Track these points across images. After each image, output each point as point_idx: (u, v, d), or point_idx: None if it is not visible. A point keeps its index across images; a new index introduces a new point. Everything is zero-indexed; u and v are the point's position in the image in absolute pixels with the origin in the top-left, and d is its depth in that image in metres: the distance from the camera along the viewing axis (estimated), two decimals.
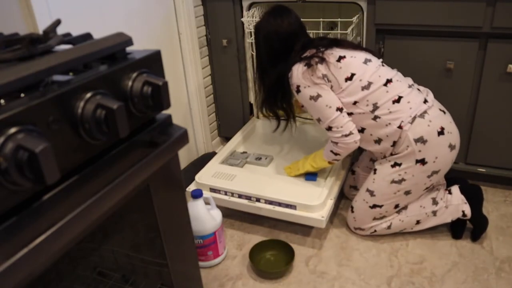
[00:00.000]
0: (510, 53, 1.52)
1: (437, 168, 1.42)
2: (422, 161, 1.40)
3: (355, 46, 1.51)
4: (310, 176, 1.66)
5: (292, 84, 1.47)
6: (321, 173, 1.68)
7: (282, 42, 1.49)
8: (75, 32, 0.82)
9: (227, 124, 2.20)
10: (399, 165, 1.44)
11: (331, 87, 1.43)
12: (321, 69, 1.41)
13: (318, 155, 1.62)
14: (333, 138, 1.47)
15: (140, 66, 0.76)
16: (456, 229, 1.58)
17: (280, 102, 1.60)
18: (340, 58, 1.43)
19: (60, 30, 0.79)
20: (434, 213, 1.54)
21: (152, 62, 0.80)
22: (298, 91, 1.46)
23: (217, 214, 1.49)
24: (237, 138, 1.99)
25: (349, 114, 1.44)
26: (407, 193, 1.47)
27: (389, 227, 1.55)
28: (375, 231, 1.57)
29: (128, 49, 0.79)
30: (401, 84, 1.44)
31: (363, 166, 1.74)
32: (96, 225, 0.72)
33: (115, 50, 0.75)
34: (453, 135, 1.43)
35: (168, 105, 0.78)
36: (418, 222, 1.55)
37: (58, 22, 0.77)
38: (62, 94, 0.62)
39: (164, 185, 0.88)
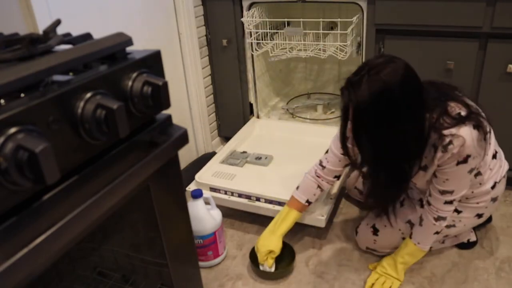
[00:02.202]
0: (510, 53, 1.52)
1: (482, 221, 1.41)
2: (481, 216, 1.36)
3: (465, 98, 1.22)
4: None
5: (461, 154, 1.12)
6: None
7: (422, 99, 1.13)
8: (75, 32, 0.82)
9: (227, 124, 2.20)
10: (458, 212, 1.34)
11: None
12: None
13: (406, 251, 1.34)
14: (445, 212, 1.26)
15: (140, 66, 0.76)
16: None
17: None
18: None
19: (60, 30, 0.79)
20: (443, 241, 1.50)
21: (152, 62, 0.80)
22: (464, 162, 1.13)
23: (217, 214, 1.49)
24: (237, 138, 1.99)
25: None
26: (445, 236, 1.44)
27: None
28: None
29: (128, 49, 0.79)
30: (493, 136, 1.31)
31: None
32: (96, 225, 0.72)
33: (115, 50, 0.75)
34: None
35: (168, 105, 0.78)
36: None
37: (58, 22, 0.77)
38: (62, 94, 0.62)
39: (164, 185, 0.88)
